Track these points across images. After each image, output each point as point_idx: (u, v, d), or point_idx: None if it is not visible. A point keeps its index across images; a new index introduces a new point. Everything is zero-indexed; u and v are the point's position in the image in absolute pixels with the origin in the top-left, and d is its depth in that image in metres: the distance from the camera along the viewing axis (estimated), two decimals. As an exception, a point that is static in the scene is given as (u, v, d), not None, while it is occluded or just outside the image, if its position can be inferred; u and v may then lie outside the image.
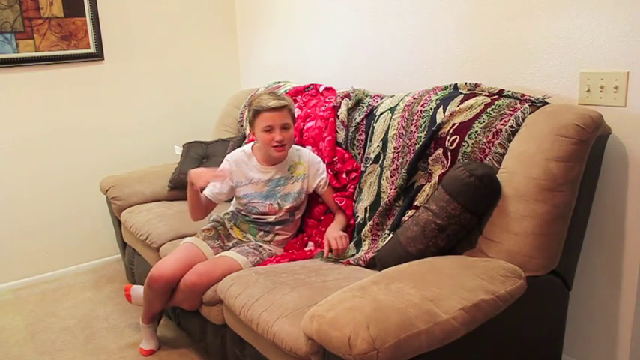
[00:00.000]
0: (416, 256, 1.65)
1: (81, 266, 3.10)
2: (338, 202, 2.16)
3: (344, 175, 2.22)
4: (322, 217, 2.24)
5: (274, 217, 2.15)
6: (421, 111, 1.94)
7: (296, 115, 2.19)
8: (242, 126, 2.92)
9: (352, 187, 2.19)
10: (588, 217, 1.74)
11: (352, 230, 2.14)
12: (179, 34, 3.22)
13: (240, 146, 2.66)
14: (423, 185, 1.86)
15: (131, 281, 2.74)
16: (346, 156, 2.24)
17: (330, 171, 2.21)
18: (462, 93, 1.88)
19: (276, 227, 2.18)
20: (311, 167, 2.18)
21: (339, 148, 2.26)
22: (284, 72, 3.08)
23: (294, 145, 2.23)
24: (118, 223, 2.76)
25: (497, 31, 1.95)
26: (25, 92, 2.81)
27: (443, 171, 1.78)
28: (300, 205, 2.21)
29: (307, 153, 2.23)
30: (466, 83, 1.91)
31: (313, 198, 2.26)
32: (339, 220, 2.13)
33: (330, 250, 1.97)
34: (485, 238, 1.64)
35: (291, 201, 2.14)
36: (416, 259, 1.62)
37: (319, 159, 2.22)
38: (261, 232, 2.18)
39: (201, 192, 2.10)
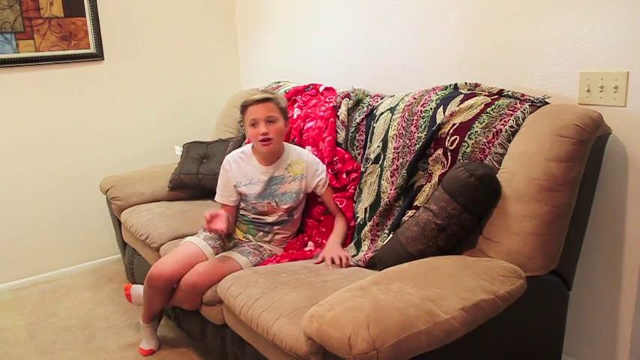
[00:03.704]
0: (416, 256, 1.65)
1: (81, 266, 3.10)
2: (338, 204, 2.15)
3: (344, 175, 2.21)
4: (322, 218, 2.24)
5: (273, 217, 2.15)
6: (421, 111, 1.94)
7: (288, 112, 2.18)
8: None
9: (352, 187, 2.19)
10: (588, 217, 1.73)
11: (352, 230, 2.14)
12: (179, 34, 3.22)
13: (240, 146, 2.67)
14: (423, 185, 1.86)
15: (131, 281, 2.74)
16: (346, 156, 2.23)
17: (330, 171, 2.21)
18: (462, 93, 1.88)
19: (275, 227, 2.17)
20: (310, 167, 2.17)
21: (339, 149, 2.26)
22: (284, 72, 3.08)
23: (294, 146, 2.23)
24: (118, 223, 2.76)
25: (497, 31, 1.95)
26: (25, 92, 2.80)
27: (443, 171, 1.78)
28: (299, 205, 2.20)
29: (306, 153, 2.22)
30: (466, 83, 1.91)
31: (313, 198, 2.26)
32: (338, 231, 2.10)
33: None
34: (485, 238, 1.64)
35: (289, 200, 2.14)
36: (416, 259, 1.61)
37: (318, 160, 2.22)
38: (261, 233, 2.18)
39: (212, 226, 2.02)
